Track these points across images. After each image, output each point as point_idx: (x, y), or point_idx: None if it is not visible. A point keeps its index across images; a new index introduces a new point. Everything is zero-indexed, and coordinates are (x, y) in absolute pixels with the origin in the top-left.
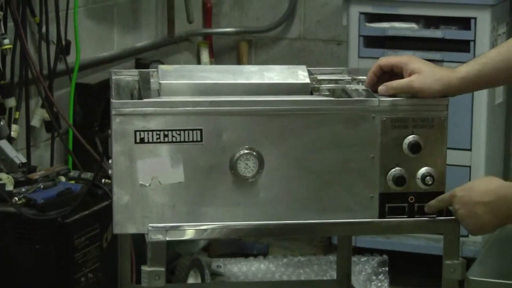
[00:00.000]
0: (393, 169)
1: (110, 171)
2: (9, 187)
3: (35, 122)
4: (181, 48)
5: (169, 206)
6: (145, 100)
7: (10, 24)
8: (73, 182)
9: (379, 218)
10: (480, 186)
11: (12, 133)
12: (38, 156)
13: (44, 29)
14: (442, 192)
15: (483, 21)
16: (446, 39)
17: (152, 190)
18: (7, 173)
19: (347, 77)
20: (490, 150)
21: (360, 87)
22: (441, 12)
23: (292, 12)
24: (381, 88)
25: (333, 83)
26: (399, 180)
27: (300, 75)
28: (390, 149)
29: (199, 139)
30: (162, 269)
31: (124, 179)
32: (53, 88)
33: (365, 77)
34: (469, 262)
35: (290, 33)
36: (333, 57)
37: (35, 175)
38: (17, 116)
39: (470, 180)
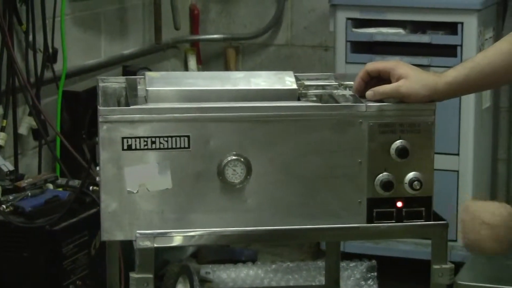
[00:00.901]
0: (381, 174)
1: (97, 178)
2: None
3: (23, 130)
4: (169, 55)
5: (157, 212)
6: (132, 107)
7: None
8: (60, 189)
9: (367, 223)
10: (490, 207)
11: None
12: (25, 164)
13: (31, 37)
14: (430, 197)
15: (470, 26)
16: (433, 44)
17: (140, 197)
18: None
19: (334, 83)
20: (478, 155)
21: (347, 92)
22: (428, 17)
23: (279, 19)
24: (368, 93)
25: (320, 89)
26: (387, 185)
27: (287, 81)
28: (377, 154)
29: (186, 145)
30: (151, 275)
31: (111, 186)
32: (40, 96)
33: (352, 83)
34: (457, 266)
35: (277, 39)
36: (320, 63)
37: (23, 183)
38: (4, 124)
39: (458, 185)
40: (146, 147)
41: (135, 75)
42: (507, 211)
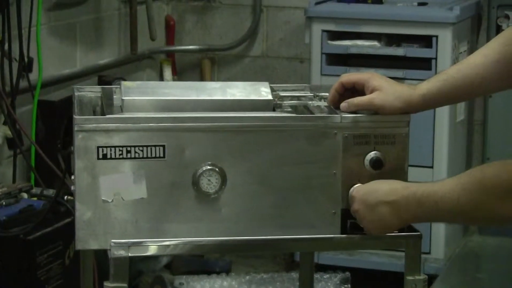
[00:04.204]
0: (355, 186)
1: (72, 187)
2: None
3: None
4: (144, 65)
5: (131, 222)
6: (107, 116)
7: None
8: (35, 199)
9: (341, 234)
10: (383, 186)
11: None
12: (0, 173)
13: (6, 46)
14: None
15: (445, 39)
16: (408, 57)
17: (114, 206)
18: None
19: (309, 94)
20: (451, 168)
21: (322, 103)
22: (403, 30)
23: (254, 30)
24: (343, 104)
25: (295, 100)
26: None
27: (263, 91)
28: (352, 165)
29: (161, 155)
30: (125, 285)
31: (86, 195)
32: (16, 105)
33: (327, 94)
34: (431, 279)
35: (253, 50)
36: (295, 75)
37: None
38: None
39: None
40: (121, 156)
41: (110, 85)
42: (400, 185)
